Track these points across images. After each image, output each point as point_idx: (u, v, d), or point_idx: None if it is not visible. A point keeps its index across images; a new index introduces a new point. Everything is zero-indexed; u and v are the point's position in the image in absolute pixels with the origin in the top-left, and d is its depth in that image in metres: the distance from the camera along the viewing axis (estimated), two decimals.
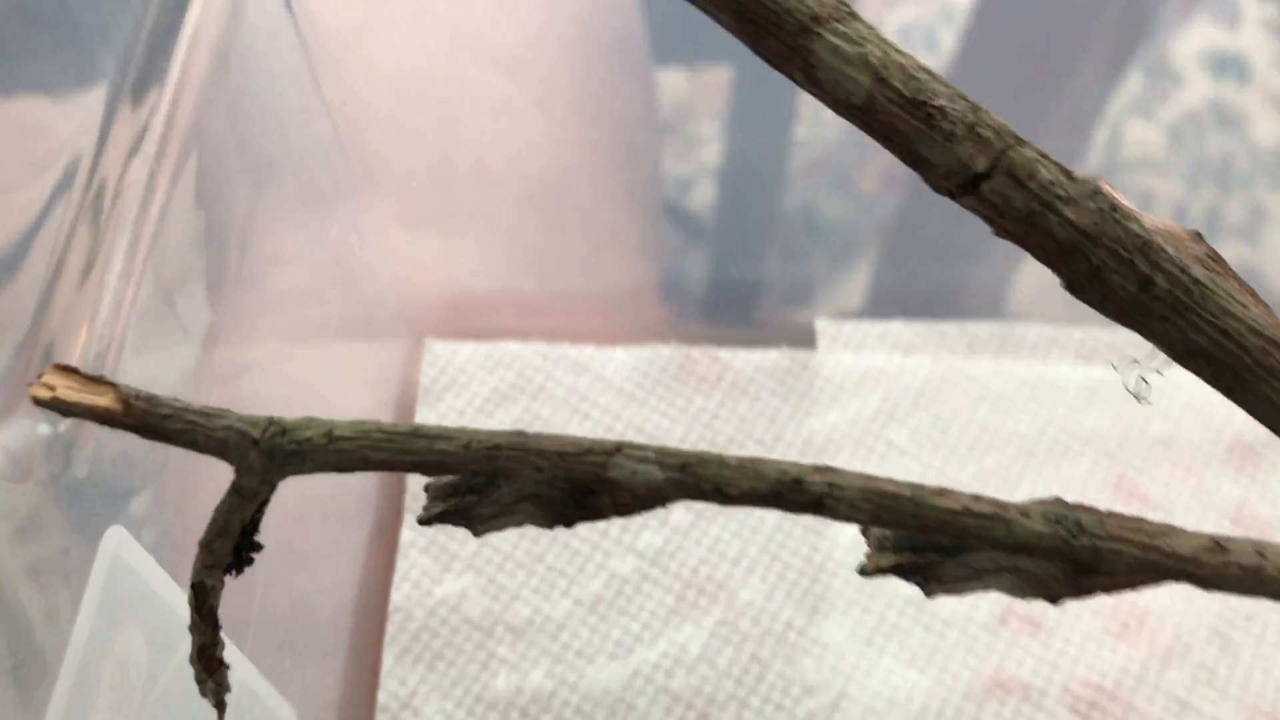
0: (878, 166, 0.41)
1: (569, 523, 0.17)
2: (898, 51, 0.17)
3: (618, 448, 0.16)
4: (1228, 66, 0.41)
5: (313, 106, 0.32)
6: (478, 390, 0.35)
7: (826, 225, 0.40)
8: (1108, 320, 0.40)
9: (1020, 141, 0.17)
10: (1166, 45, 0.41)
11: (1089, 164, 0.40)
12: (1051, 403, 0.34)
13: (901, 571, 0.18)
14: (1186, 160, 0.40)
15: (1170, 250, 0.17)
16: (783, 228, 0.40)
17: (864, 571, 0.18)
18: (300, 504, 0.29)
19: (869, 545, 0.18)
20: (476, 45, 0.40)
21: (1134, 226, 0.17)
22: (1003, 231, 0.17)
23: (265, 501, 0.17)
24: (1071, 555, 0.16)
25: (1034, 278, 0.38)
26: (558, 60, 0.40)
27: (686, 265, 0.41)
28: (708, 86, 0.41)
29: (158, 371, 0.22)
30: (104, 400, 0.16)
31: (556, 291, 0.38)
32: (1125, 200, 0.17)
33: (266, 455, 0.16)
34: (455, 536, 0.33)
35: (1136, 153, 0.41)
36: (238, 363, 0.27)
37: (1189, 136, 0.41)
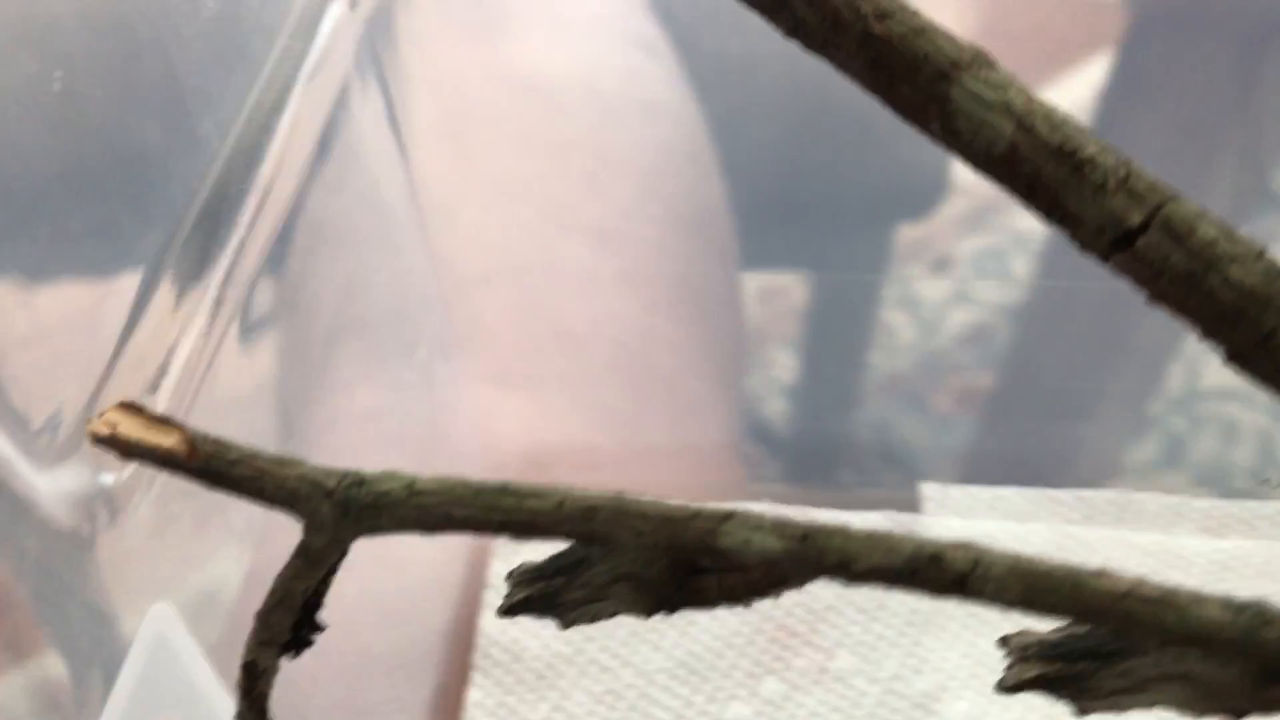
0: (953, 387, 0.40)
1: (671, 608, 0.15)
2: (1040, 102, 0.15)
3: (729, 514, 0.14)
4: None
5: (418, 263, 0.32)
6: (555, 544, 0.33)
7: (900, 446, 0.38)
8: (1232, 492, 0.37)
9: (1176, 196, 0.15)
10: None
11: (1167, 392, 0.38)
12: (1178, 577, 0.31)
13: (1048, 684, 0.15)
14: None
15: None
16: (856, 448, 0.38)
17: (1004, 686, 0.16)
18: (359, 658, 0.27)
19: (1009, 655, 0.16)
20: (565, 216, 0.40)
21: None
22: (1158, 295, 0.15)
23: (333, 570, 0.15)
24: (1259, 652, 0.13)
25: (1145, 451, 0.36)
26: (643, 235, 0.40)
27: (773, 430, 0.39)
28: (782, 305, 0.40)
29: None
30: (168, 441, 0.14)
31: (638, 452, 0.37)
32: None
33: (340, 509, 0.15)
34: (526, 699, 0.30)
35: (1217, 383, 0.39)
36: None
37: None
